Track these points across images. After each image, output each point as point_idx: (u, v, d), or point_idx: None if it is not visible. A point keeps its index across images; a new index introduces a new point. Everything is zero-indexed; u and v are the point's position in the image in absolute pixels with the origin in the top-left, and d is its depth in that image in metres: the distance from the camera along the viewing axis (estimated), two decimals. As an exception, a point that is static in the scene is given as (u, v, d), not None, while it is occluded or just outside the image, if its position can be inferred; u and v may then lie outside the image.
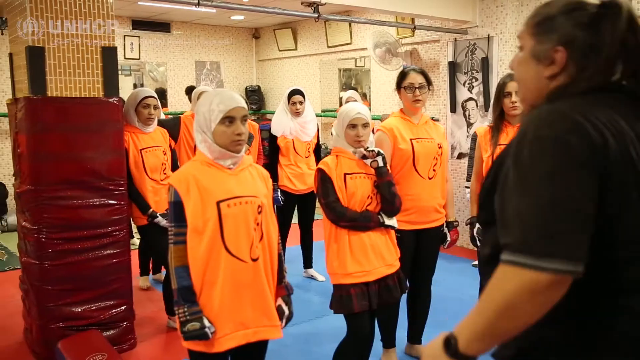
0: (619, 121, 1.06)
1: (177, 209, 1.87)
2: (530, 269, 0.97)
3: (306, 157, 4.45)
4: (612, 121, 1.05)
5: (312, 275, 4.69)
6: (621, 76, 1.14)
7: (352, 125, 2.48)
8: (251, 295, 1.93)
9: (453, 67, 5.81)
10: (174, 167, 3.67)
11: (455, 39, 5.77)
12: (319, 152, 4.62)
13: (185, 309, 1.85)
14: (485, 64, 5.45)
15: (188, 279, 1.86)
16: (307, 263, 4.75)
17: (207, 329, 1.83)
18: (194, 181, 1.88)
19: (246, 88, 8.75)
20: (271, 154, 4.46)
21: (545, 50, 1.16)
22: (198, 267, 1.87)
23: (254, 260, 1.94)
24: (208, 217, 1.86)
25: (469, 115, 5.78)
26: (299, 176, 4.41)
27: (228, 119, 1.90)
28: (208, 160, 1.93)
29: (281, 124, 4.39)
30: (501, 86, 3.06)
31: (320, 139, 4.71)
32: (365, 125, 2.49)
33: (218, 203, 1.87)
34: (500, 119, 3.10)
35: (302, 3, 4.37)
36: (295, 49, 8.25)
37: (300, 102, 4.36)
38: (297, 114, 4.36)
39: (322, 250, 4.91)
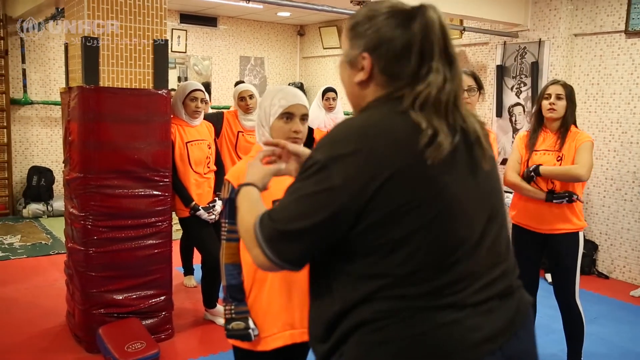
0: (409, 140, 1.07)
1: (233, 206, 1.82)
2: (257, 241, 1.13)
3: None
4: (399, 141, 1.07)
5: None
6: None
7: None
8: (300, 295, 1.91)
9: (501, 70, 5.69)
10: (217, 161, 3.70)
11: (505, 42, 5.65)
12: None
13: (232, 307, 1.83)
14: (535, 69, 5.31)
15: (238, 277, 1.85)
16: None
17: (250, 331, 1.81)
18: None
19: (289, 85, 8.77)
20: (308, 146, 4.55)
21: (355, 56, 1.16)
22: (251, 265, 1.85)
23: None
24: None
25: (516, 121, 5.65)
26: None
27: (287, 114, 1.87)
28: None
29: (316, 117, 4.71)
30: (543, 88, 3.00)
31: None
32: None
33: (274, 202, 1.86)
34: (539, 123, 3.02)
35: (351, 1, 4.35)
36: (340, 47, 8.21)
37: (334, 98, 4.76)
38: (330, 108, 4.74)
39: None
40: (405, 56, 1.12)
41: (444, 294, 1.07)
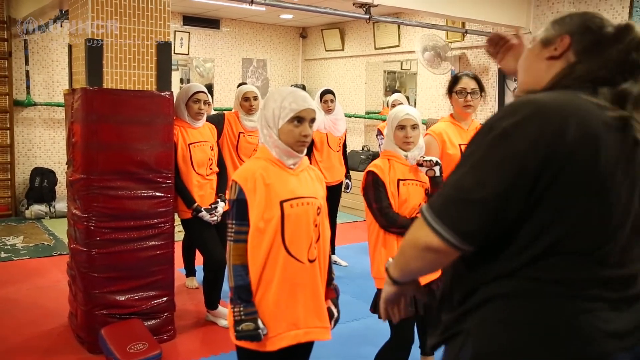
0: (596, 125, 1.07)
1: (240, 207, 1.85)
2: (424, 221, 1.11)
3: (337, 152, 4.84)
4: (586, 123, 1.07)
5: (335, 261, 4.84)
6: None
7: (401, 127, 2.47)
8: (305, 296, 1.92)
9: (503, 73, 5.69)
10: (220, 163, 3.71)
11: (507, 44, 5.65)
12: (345, 148, 5.00)
13: (241, 308, 1.84)
14: (537, 72, 5.32)
15: (246, 278, 1.85)
16: (330, 250, 4.83)
17: (260, 331, 1.82)
18: (261, 179, 1.86)
19: (291, 87, 8.78)
20: (308, 147, 4.67)
21: (553, 36, 1.24)
22: (257, 266, 1.86)
23: (311, 261, 1.94)
24: (271, 217, 1.85)
25: (518, 123, 5.67)
26: (330, 168, 4.74)
27: (297, 119, 1.88)
28: (272, 159, 1.92)
29: (316, 119, 4.70)
30: None
31: (363, 141, 4.82)
32: (414, 126, 2.47)
33: (281, 203, 1.87)
34: None
35: (353, 4, 4.36)
36: (342, 49, 8.24)
37: (332, 100, 4.76)
38: (328, 111, 4.74)
39: (360, 251, 4.92)
40: (606, 50, 1.16)
41: (581, 286, 1.08)
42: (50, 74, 6.95)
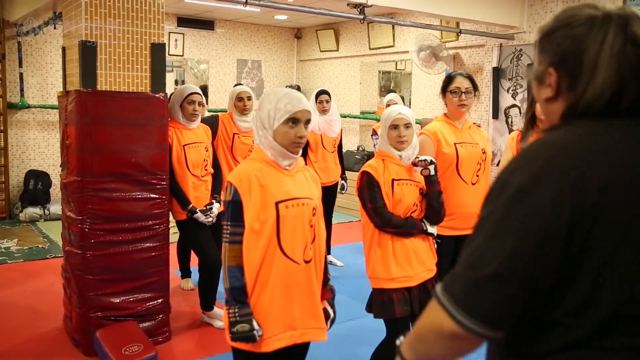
0: (621, 154, 0.92)
1: (235, 208, 1.85)
2: (443, 309, 0.94)
3: (331, 152, 4.85)
4: (610, 157, 0.91)
5: (330, 261, 4.86)
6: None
7: (394, 126, 2.47)
8: (301, 296, 1.93)
9: (497, 72, 5.71)
10: (215, 164, 3.71)
11: (501, 44, 5.67)
12: (341, 149, 5.00)
13: (236, 310, 1.84)
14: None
15: (241, 280, 1.85)
16: (326, 250, 4.87)
17: (255, 332, 1.82)
18: (256, 180, 1.86)
19: (286, 87, 8.78)
20: (304, 148, 4.69)
21: (541, 72, 1.03)
22: (253, 267, 1.86)
23: (307, 262, 1.94)
24: (266, 218, 1.85)
25: (512, 123, 5.68)
26: (324, 169, 4.76)
27: (292, 120, 1.88)
28: (267, 160, 1.92)
29: (312, 120, 4.75)
30: None
31: (358, 141, 4.82)
32: (407, 125, 2.48)
33: (277, 204, 1.87)
34: (532, 123, 3.03)
35: (348, 4, 4.37)
36: (337, 50, 8.25)
37: (327, 101, 4.76)
38: (323, 111, 4.75)
39: (356, 251, 4.91)
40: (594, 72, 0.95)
41: None
42: (44, 76, 6.93)
